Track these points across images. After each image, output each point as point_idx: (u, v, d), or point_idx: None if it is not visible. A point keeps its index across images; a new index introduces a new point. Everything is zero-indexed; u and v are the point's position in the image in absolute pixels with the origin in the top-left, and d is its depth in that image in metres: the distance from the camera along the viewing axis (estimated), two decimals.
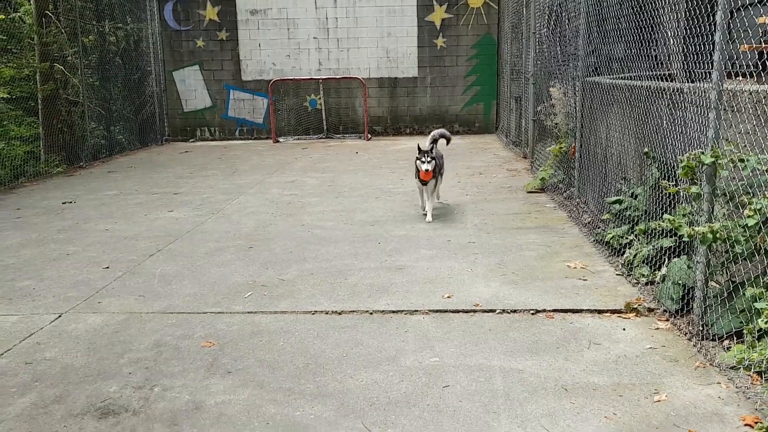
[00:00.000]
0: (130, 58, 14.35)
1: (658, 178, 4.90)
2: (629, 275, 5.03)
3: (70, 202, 8.58)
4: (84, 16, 12.58)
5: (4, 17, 10.48)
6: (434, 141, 7.33)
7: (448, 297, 4.78)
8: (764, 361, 3.35)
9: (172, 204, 8.33)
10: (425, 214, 7.12)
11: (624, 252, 5.32)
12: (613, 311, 4.44)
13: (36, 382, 3.65)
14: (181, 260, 5.87)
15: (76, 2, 12.07)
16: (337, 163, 11.63)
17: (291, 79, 15.27)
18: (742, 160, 3.72)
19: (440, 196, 7.92)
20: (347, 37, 15.27)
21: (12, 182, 10.04)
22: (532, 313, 4.46)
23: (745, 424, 3.04)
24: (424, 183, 7.03)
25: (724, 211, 4.00)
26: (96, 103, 12.88)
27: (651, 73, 5.58)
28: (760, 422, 3.01)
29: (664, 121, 5.01)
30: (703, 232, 3.75)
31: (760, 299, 3.44)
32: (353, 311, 4.58)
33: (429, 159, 6.85)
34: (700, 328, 3.96)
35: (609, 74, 6.70)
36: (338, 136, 15.50)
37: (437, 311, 4.54)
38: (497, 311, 4.51)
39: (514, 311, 4.50)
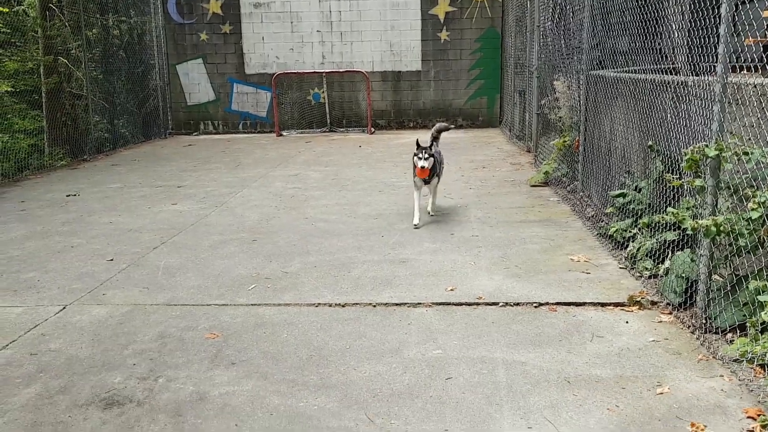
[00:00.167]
0: (134, 51, 14.35)
1: (662, 172, 4.89)
2: (632, 268, 5.03)
3: (75, 195, 8.60)
4: (87, 9, 12.58)
5: (8, 10, 10.49)
6: (434, 138, 6.99)
7: (451, 290, 4.79)
8: (767, 354, 3.35)
9: (176, 197, 8.35)
10: (418, 222, 6.56)
11: (627, 245, 5.32)
12: (616, 304, 4.44)
13: (41, 373, 3.67)
14: (185, 253, 5.89)
15: None
16: (340, 156, 11.63)
17: (294, 73, 15.27)
18: (746, 153, 3.71)
19: (437, 197, 7.15)
20: (351, 30, 15.24)
21: (16, 175, 10.07)
22: (535, 306, 4.46)
23: (748, 417, 3.04)
24: (425, 182, 6.63)
25: (728, 204, 3.99)
26: (100, 96, 12.90)
27: (655, 66, 5.56)
28: (763, 414, 3.02)
29: (669, 115, 4.99)
30: (706, 225, 3.74)
31: (763, 292, 3.44)
32: (356, 304, 4.59)
33: (427, 156, 6.44)
34: (703, 321, 3.96)
35: (613, 68, 6.68)
36: (341, 129, 15.49)
37: (440, 304, 4.54)
38: (500, 304, 4.51)
39: (517, 304, 4.51)
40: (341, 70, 15.25)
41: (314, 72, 15.25)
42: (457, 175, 9.41)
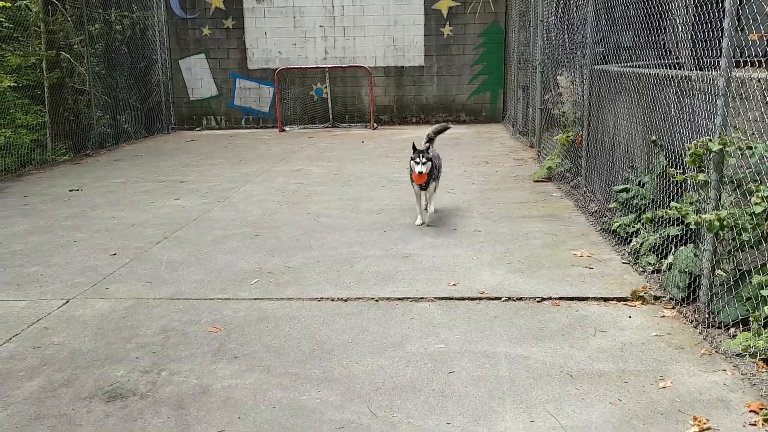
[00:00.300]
0: (137, 46, 14.34)
1: (666, 166, 4.88)
2: (636, 264, 5.03)
3: (77, 190, 8.61)
4: (90, 4, 12.57)
5: (10, 5, 10.48)
6: (430, 140, 6.52)
7: (454, 285, 4.78)
8: None
9: (179, 192, 8.35)
10: (422, 223, 6.41)
11: (630, 240, 5.31)
12: (619, 299, 4.44)
13: (44, 366, 3.68)
14: (188, 247, 5.89)
15: None
16: (343, 152, 11.63)
17: (297, 68, 15.24)
18: (750, 148, 3.70)
19: (434, 203, 6.66)
20: (353, 25, 15.22)
21: (19, 170, 10.08)
22: (538, 301, 4.46)
23: (750, 411, 3.04)
24: (422, 188, 6.28)
25: (731, 199, 3.98)
26: (102, 91, 12.89)
27: (659, 61, 5.55)
28: (765, 408, 3.01)
29: (672, 109, 4.98)
30: (710, 220, 3.74)
31: (766, 286, 3.43)
32: (359, 298, 4.59)
33: (424, 160, 6.07)
34: (706, 316, 3.96)
35: (617, 63, 6.66)
36: (344, 125, 15.47)
37: (443, 298, 4.54)
38: (503, 299, 4.51)
39: (520, 299, 4.50)
40: (344, 66, 15.23)
41: (317, 67, 15.23)
42: (460, 170, 9.40)
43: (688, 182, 4.45)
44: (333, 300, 4.58)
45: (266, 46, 15.36)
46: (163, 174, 9.75)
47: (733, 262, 4.02)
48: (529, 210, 6.95)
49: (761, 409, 3.03)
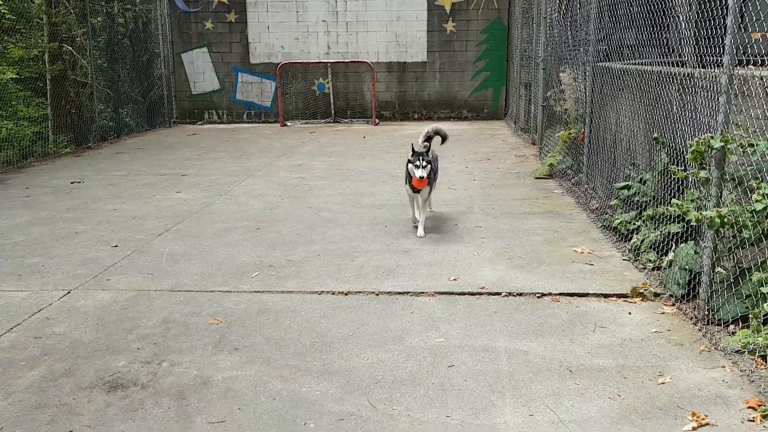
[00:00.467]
0: (139, 39, 14.33)
1: (667, 164, 4.88)
2: (636, 260, 5.04)
3: (79, 182, 8.62)
4: None
5: None
6: (428, 139, 6.15)
7: (454, 279, 4.79)
8: None
9: (180, 185, 8.36)
10: (416, 227, 5.99)
11: (631, 237, 5.32)
12: (619, 296, 4.45)
13: (45, 356, 3.70)
14: (189, 240, 5.90)
15: None
16: (344, 147, 11.63)
17: (299, 63, 15.24)
18: (751, 145, 3.70)
19: (425, 213, 6.16)
20: (356, 20, 15.20)
21: (21, 162, 10.09)
22: (538, 297, 4.47)
23: (749, 407, 3.05)
24: (416, 191, 5.85)
25: (732, 196, 3.99)
26: (104, 84, 12.89)
27: (662, 59, 5.54)
28: (764, 405, 3.02)
29: (674, 107, 4.98)
30: (710, 217, 3.74)
31: (766, 284, 3.44)
32: (359, 292, 4.60)
33: (424, 163, 5.63)
34: (706, 313, 3.97)
35: (620, 61, 6.65)
36: (346, 120, 15.47)
37: (443, 293, 4.55)
38: (503, 294, 4.52)
39: (520, 294, 4.51)
40: (346, 61, 15.22)
41: (319, 62, 15.23)
42: (461, 166, 9.41)
43: (690, 179, 4.46)
44: (333, 293, 4.59)
45: (269, 40, 15.35)
46: (164, 167, 9.75)
47: (733, 259, 4.03)
48: (530, 206, 6.95)
49: (759, 405, 3.04)
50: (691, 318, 4.04)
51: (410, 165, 5.76)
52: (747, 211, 3.67)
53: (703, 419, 2.96)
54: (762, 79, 3.95)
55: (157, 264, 5.26)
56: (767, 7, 3.95)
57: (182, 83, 15.60)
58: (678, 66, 5.13)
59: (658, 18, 5.48)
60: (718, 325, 3.87)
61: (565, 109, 8.29)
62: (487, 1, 15.00)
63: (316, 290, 4.65)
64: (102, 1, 13.06)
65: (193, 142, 12.54)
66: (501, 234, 5.93)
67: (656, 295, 4.40)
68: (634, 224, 5.38)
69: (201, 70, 15.56)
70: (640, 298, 4.38)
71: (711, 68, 4.28)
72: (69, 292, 4.67)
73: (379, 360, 3.60)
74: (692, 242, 4.40)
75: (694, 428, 2.91)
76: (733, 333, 3.71)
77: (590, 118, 7.18)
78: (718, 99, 3.94)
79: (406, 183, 5.98)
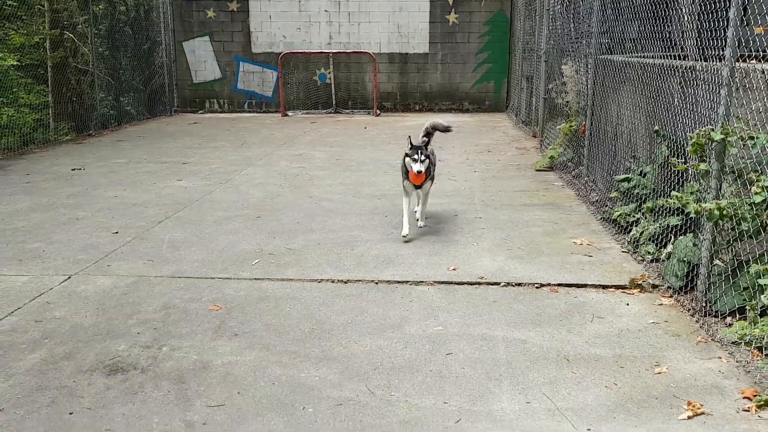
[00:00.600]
0: (140, 27, 14.30)
1: (668, 156, 4.89)
2: (635, 252, 5.05)
3: (80, 169, 8.63)
4: None
5: None
6: (428, 134, 5.78)
7: (454, 269, 4.81)
8: (765, 337, 3.37)
9: (181, 173, 8.37)
10: (411, 228, 5.59)
11: (630, 230, 5.33)
12: (618, 287, 4.46)
13: (46, 340, 3.72)
14: (190, 227, 5.92)
15: None
16: (345, 137, 11.63)
17: (301, 53, 15.21)
18: (752, 138, 3.71)
19: (425, 211, 5.92)
20: (358, 11, 15.16)
21: (21, 148, 10.09)
22: (537, 287, 4.49)
23: (744, 397, 3.07)
24: (417, 187, 5.61)
25: (731, 189, 4.00)
26: (105, 72, 12.87)
27: (664, 53, 5.54)
28: (759, 395, 3.05)
29: (676, 99, 4.98)
30: (710, 209, 3.76)
31: (763, 275, 3.45)
32: (359, 280, 4.62)
33: (422, 157, 5.41)
34: (704, 305, 3.98)
35: (622, 54, 6.65)
36: (347, 111, 15.46)
37: (442, 282, 4.57)
38: (502, 284, 4.54)
39: (519, 284, 4.53)
40: (348, 51, 15.19)
41: (321, 52, 15.19)
42: (462, 158, 9.41)
43: (690, 172, 4.47)
44: (333, 281, 4.61)
45: (270, 29, 15.31)
46: (165, 155, 9.76)
47: (732, 252, 4.04)
48: (530, 198, 6.96)
49: (755, 395, 3.06)
50: (689, 310, 4.06)
51: (407, 159, 5.51)
52: (746, 203, 3.68)
53: (699, 408, 2.98)
54: (764, 72, 3.95)
55: (157, 251, 5.28)
56: None
57: (183, 72, 15.58)
58: (680, 59, 5.12)
59: (661, 11, 5.48)
60: (716, 316, 3.89)
61: (567, 102, 8.29)
62: None
63: (316, 278, 4.66)
64: None
65: (194, 131, 12.54)
66: (501, 225, 5.95)
67: (654, 286, 4.42)
68: (634, 217, 5.40)
69: (202, 59, 15.53)
70: (638, 290, 4.40)
71: (713, 61, 4.28)
72: (69, 278, 4.69)
73: (378, 347, 3.62)
74: (691, 235, 4.42)
75: (689, 417, 2.93)
76: (730, 325, 3.73)
77: (591, 110, 7.18)
78: (719, 91, 3.95)
79: (403, 179, 5.66)
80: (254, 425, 2.89)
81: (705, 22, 4.41)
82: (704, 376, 3.28)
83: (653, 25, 5.62)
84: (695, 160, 4.16)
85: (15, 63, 10.41)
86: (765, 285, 3.41)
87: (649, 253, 4.88)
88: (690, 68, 4.72)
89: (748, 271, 3.68)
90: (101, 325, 3.91)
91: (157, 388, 3.20)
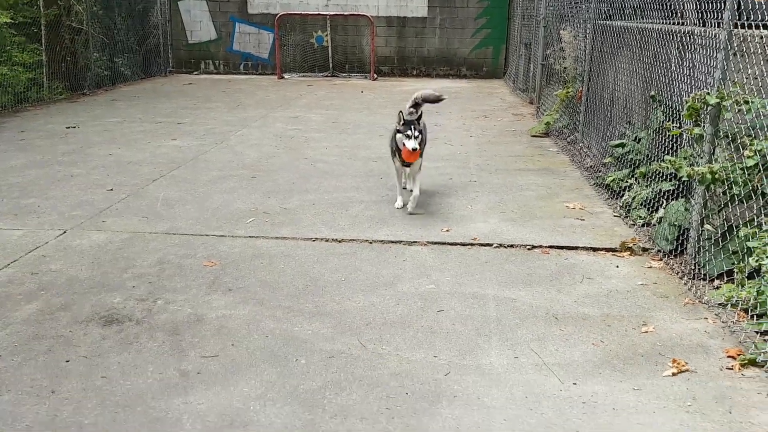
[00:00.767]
0: None
1: (663, 122, 4.90)
2: (627, 217, 5.09)
3: (74, 127, 8.58)
4: None
5: None
6: (416, 105, 5.40)
7: (447, 230, 4.85)
8: (752, 299, 3.43)
9: (176, 133, 8.34)
10: (403, 206, 5.32)
11: (623, 195, 5.36)
12: (608, 250, 4.52)
13: (42, 291, 3.75)
14: (185, 186, 5.92)
15: None
16: (342, 101, 11.56)
17: (298, 14, 15.01)
18: (747, 102, 3.72)
19: (419, 184, 5.31)
20: None
21: (16, 106, 10.00)
22: (528, 249, 4.54)
23: (728, 356, 3.14)
24: (406, 164, 5.27)
25: (725, 154, 4.02)
26: (100, 31, 12.69)
27: (663, 21, 5.50)
28: (743, 354, 3.11)
29: (673, 65, 4.97)
30: (702, 172, 3.78)
31: (752, 238, 3.50)
32: (353, 240, 4.66)
33: (416, 133, 4.99)
34: (692, 268, 4.04)
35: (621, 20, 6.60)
36: (344, 74, 15.33)
37: (435, 243, 4.61)
38: (494, 245, 4.58)
39: (511, 246, 4.58)
40: (346, 14, 15.00)
41: (318, 14, 15.00)
42: (458, 123, 9.39)
43: (684, 137, 4.48)
44: (327, 240, 4.64)
45: None
46: (160, 115, 9.70)
47: (722, 217, 4.08)
48: (524, 163, 6.98)
49: (739, 354, 3.13)
50: (678, 272, 4.11)
51: (400, 135, 5.07)
52: (738, 167, 3.71)
53: (684, 366, 3.05)
54: (762, 38, 3.94)
55: (152, 208, 5.29)
56: None
57: (179, 32, 15.37)
58: (678, 24, 5.10)
59: None
60: (704, 279, 3.95)
61: (564, 68, 8.25)
62: None
63: (310, 237, 4.70)
64: None
65: (189, 92, 12.44)
66: (495, 189, 5.97)
67: (644, 250, 4.47)
68: (627, 182, 5.43)
69: (198, 19, 15.32)
70: (629, 253, 4.45)
71: (711, 26, 4.26)
72: (65, 232, 4.71)
73: (371, 303, 3.67)
74: (683, 199, 4.45)
75: (674, 374, 3.00)
76: (718, 287, 3.79)
77: (588, 76, 7.16)
78: (716, 55, 3.94)
79: (393, 156, 5.30)
80: (248, 375, 2.95)
81: None
82: (690, 335, 3.35)
83: None
84: (690, 124, 4.17)
85: (8, 20, 10.25)
86: (753, 247, 3.46)
87: (640, 217, 4.93)
88: (688, 33, 4.70)
89: (738, 235, 3.72)
90: (96, 278, 3.94)
91: (152, 339, 3.24)
